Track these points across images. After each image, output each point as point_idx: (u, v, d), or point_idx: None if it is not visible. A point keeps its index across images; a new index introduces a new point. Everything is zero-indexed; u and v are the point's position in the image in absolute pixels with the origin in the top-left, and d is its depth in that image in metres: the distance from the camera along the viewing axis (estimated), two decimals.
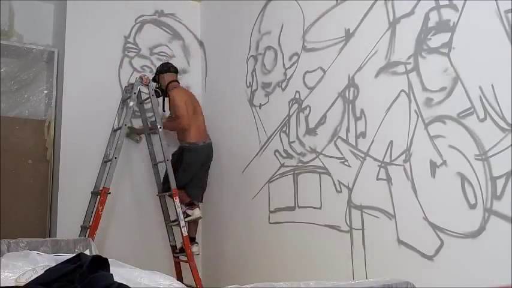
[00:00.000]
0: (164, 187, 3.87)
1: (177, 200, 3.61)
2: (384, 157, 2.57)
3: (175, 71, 4.05)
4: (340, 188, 2.85)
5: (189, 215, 3.78)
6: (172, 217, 3.82)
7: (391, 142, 2.54)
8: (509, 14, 2.02)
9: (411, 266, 2.37)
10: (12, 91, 4.01)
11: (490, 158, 2.07)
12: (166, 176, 3.81)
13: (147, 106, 3.90)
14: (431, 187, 2.32)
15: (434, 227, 2.28)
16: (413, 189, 2.40)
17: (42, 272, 1.48)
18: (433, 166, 2.30)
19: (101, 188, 3.47)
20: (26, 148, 4.00)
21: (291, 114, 3.27)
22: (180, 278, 3.67)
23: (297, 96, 3.23)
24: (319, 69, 3.06)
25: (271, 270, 3.33)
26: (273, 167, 3.39)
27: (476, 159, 2.12)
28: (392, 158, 2.53)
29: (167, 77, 3.96)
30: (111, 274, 1.40)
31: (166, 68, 4.00)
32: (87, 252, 2.20)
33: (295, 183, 3.19)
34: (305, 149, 3.13)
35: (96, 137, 3.80)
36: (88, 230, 3.37)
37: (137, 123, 3.97)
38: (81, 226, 3.46)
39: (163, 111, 4.02)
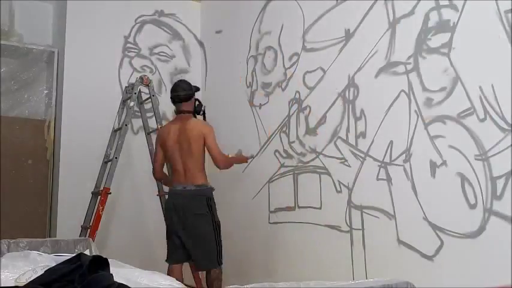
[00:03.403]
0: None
1: None
2: (384, 157, 2.57)
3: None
4: (340, 188, 2.85)
5: None
6: None
7: (391, 142, 2.54)
8: (509, 14, 2.02)
9: (411, 266, 2.37)
10: (12, 91, 4.00)
11: (490, 158, 2.07)
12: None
13: (148, 106, 3.89)
14: (431, 187, 2.32)
15: (434, 227, 2.28)
16: (413, 189, 2.40)
17: (42, 272, 1.48)
18: (433, 166, 2.30)
19: (101, 188, 3.47)
20: (26, 148, 4.00)
21: (291, 114, 3.27)
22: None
23: (297, 96, 3.23)
24: (319, 69, 3.06)
25: (271, 270, 3.33)
26: (273, 167, 3.39)
27: (476, 159, 2.12)
28: (392, 158, 2.53)
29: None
30: (111, 274, 1.40)
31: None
32: (87, 252, 2.19)
33: (295, 183, 3.19)
34: (305, 149, 3.13)
35: (96, 137, 3.79)
36: (88, 230, 3.36)
37: (137, 123, 3.97)
38: (81, 226, 3.45)
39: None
